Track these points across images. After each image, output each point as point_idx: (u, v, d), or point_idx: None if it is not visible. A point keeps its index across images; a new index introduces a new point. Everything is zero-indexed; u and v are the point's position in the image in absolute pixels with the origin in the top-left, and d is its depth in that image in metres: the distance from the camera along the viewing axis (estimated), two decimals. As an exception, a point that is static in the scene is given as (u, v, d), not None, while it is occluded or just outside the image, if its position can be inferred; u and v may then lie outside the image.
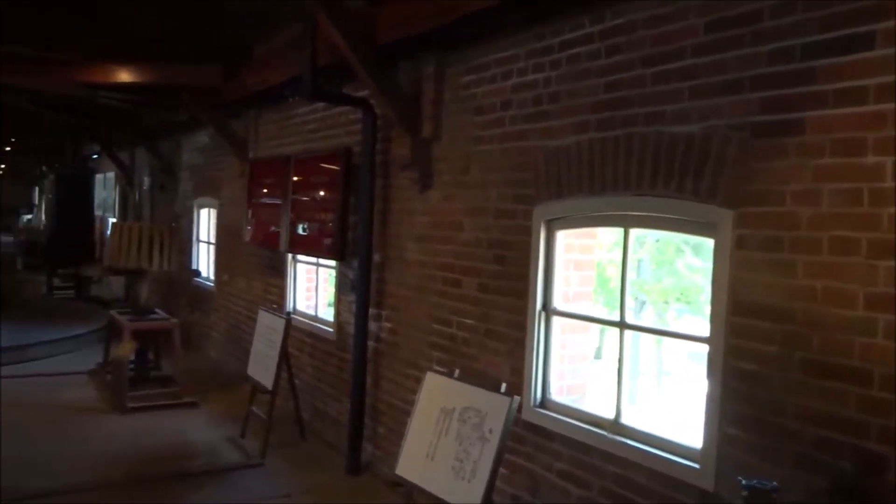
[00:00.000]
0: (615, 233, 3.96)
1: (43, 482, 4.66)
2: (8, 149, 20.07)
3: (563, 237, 3.72)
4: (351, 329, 5.37)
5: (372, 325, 5.16)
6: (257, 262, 7.28)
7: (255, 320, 6.21)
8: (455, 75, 4.41)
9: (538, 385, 3.74)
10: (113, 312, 7.12)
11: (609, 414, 3.36)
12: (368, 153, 4.96)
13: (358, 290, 5.11)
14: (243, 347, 7.48)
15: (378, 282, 5.14)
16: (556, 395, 3.74)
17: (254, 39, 6.60)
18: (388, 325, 5.08)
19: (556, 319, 3.73)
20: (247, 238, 7.13)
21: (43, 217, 17.06)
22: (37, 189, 26.42)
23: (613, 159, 3.28)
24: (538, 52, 3.74)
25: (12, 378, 7.14)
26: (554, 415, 3.63)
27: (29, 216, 26.19)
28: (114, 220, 14.47)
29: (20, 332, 8.37)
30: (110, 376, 6.73)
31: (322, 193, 5.68)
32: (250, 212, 6.99)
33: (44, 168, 16.22)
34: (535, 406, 3.73)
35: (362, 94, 5.16)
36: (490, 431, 3.23)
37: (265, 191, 6.70)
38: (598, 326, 4.20)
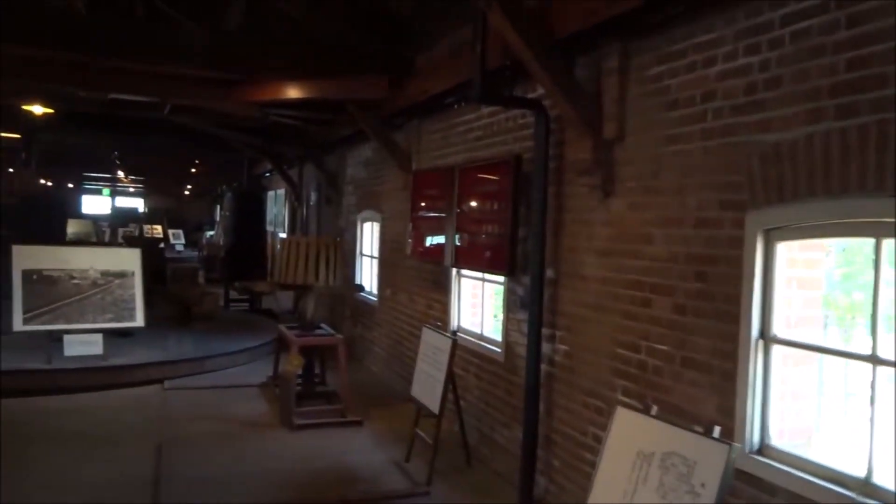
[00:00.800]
0: (852, 244, 3.26)
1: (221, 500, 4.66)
2: (193, 170, 21.70)
3: (786, 250, 3.09)
4: (521, 350, 4.97)
5: (545, 347, 4.73)
6: (420, 277, 7.08)
7: (417, 337, 5.98)
8: (642, 67, 3.89)
9: (755, 427, 3.13)
10: (281, 327, 7.20)
11: (857, 470, 2.69)
12: (541, 159, 4.55)
13: (529, 309, 4.69)
14: (406, 364, 7.31)
15: (551, 299, 4.70)
16: (776, 439, 3.11)
17: (416, 51, 6.45)
18: (562, 347, 4.62)
19: (776, 349, 3.11)
20: (409, 252, 6.96)
21: (220, 233, 18.21)
22: (218, 207, 28.52)
23: (859, 153, 2.64)
24: (751, 31, 3.15)
25: (193, 389, 7.42)
26: (776, 464, 3.00)
27: (211, 232, 28.32)
28: (283, 235, 15.12)
29: (201, 344, 8.73)
30: (278, 390, 6.79)
31: (489, 204, 5.34)
32: (413, 225, 6.81)
33: (222, 187, 17.32)
34: (752, 452, 3.11)
35: (534, 95, 4.76)
36: (702, 485, 2.68)
37: (428, 203, 6.48)
38: (817, 357, 3.48)
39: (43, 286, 7.37)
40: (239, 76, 6.62)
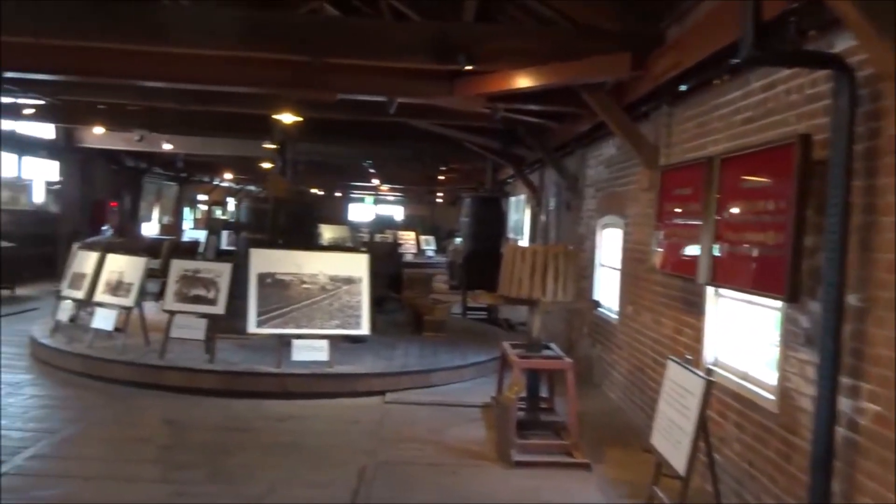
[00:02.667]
0: None
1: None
2: (441, 177, 22.09)
3: None
4: (804, 402, 3.66)
5: (843, 403, 3.37)
6: (667, 294, 5.89)
7: (662, 365, 4.85)
8: None
9: None
10: (505, 345, 6.44)
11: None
12: (842, 140, 3.23)
13: (819, 347, 3.39)
14: (648, 396, 6.15)
15: (854, 337, 3.33)
16: None
17: (664, 22, 5.33)
18: (872, 407, 3.23)
19: None
20: (655, 263, 5.80)
21: (460, 240, 18.15)
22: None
23: None
24: None
25: (412, 405, 6.96)
26: None
27: (459, 239, 28.85)
28: (524, 242, 14.48)
29: (427, 355, 8.32)
30: (497, 417, 6.02)
31: (760, 204, 4.04)
32: (660, 231, 5.65)
33: (461, 193, 17.26)
34: None
35: (835, 50, 3.44)
36: None
37: (679, 205, 5.29)
38: None
39: (276, 290, 7.40)
40: (464, 67, 5.98)
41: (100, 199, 18.32)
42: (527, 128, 9.62)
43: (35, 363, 7.85)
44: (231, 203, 30.30)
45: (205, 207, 30.28)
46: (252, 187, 25.39)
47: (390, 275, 10.75)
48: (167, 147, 14.38)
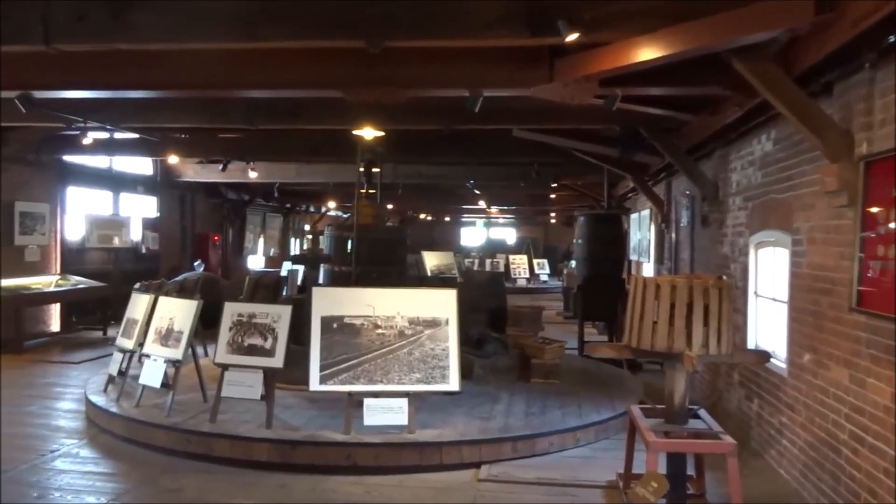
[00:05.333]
0: None
1: None
2: (552, 195, 20.37)
3: None
4: None
5: None
6: (879, 344, 4.00)
7: (869, 444, 3.10)
8: None
9: None
10: (634, 410, 4.75)
11: None
12: None
13: None
14: (846, 484, 4.28)
15: None
16: None
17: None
18: None
19: None
20: (856, 297, 3.97)
21: (573, 263, 16.35)
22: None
23: None
24: None
25: (513, 483, 5.37)
26: None
27: (574, 261, 26.91)
28: (649, 265, 12.55)
29: (535, 412, 6.71)
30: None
31: None
32: (866, 252, 3.82)
33: (575, 212, 15.50)
34: None
35: None
36: None
37: (900, 212, 3.47)
38: None
39: (343, 336, 6.04)
40: (566, 39, 4.41)
41: (202, 234, 17.98)
42: (650, 125, 7.86)
43: (87, 423, 6.90)
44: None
45: (317, 238, 29.97)
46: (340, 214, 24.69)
47: (492, 310, 9.22)
48: (252, 175, 13.62)
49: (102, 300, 13.14)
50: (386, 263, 9.44)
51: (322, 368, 5.91)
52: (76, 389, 8.12)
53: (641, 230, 13.60)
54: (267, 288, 10.59)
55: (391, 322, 6.12)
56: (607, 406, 6.91)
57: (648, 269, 12.57)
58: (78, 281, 12.79)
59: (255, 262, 22.33)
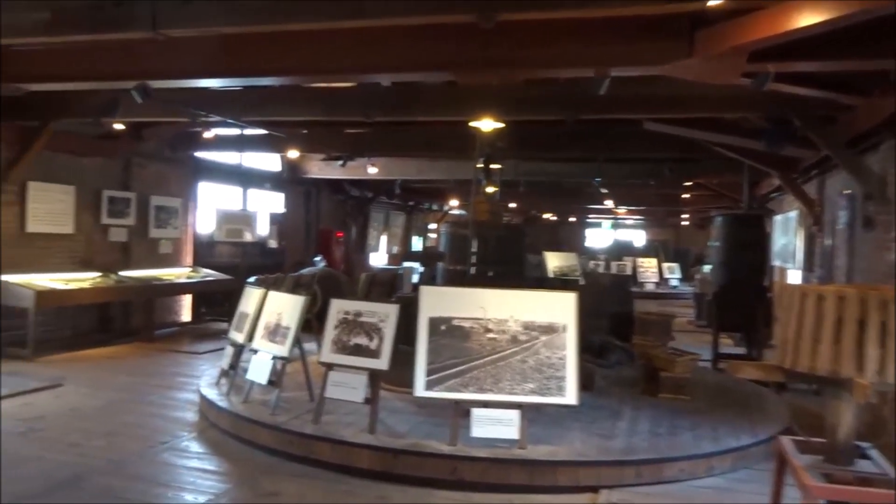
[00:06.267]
0: None
1: None
2: (686, 195, 19.15)
3: None
4: None
5: None
6: None
7: None
8: None
9: None
10: (784, 441, 4.01)
11: None
12: None
13: None
14: None
15: None
16: None
17: None
18: None
19: None
20: None
21: (708, 268, 15.15)
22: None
23: None
24: None
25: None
26: None
27: (709, 266, 25.27)
28: (795, 272, 11.33)
29: (664, 433, 6.02)
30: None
31: None
32: None
33: (711, 213, 14.33)
34: None
35: None
36: None
37: None
38: None
39: (452, 340, 5.63)
40: (708, 2, 3.76)
41: (325, 230, 18.26)
42: (803, 113, 6.91)
43: (200, 416, 6.89)
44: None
45: (435, 236, 30.00)
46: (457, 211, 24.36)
47: (616, 315, 8.53)
48: (372, 171, 13.56)
49: (229, 293, 13.52)
50: (502, 263, 8.99)
51: (428, 373, 5.52)
52: (197, 380, 8.21)
53: (787, 234, 12.36)
54: (382, 285, 10.42)
55: (504, 326, 5.64)
56: (747, 430, 6.10)
57: (795, 277, 11.36)
58: (207, 274, 13.21)
59: (378, 259, 22.53)
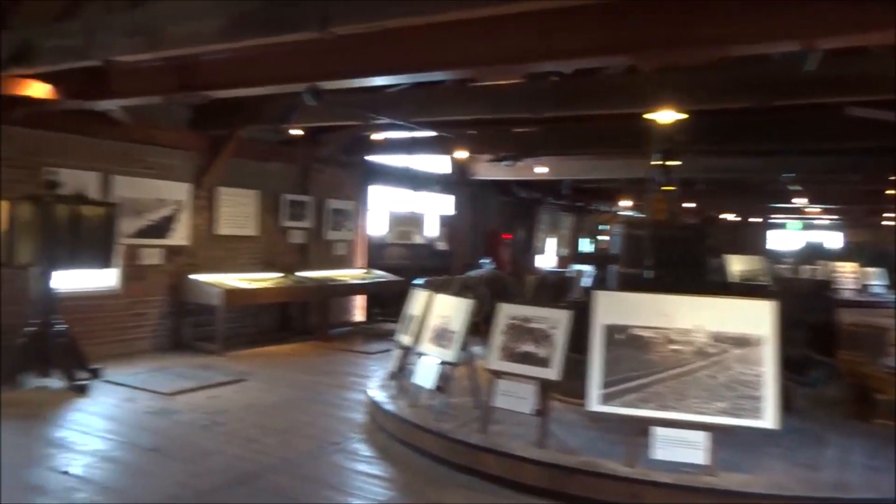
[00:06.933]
0: None
1: None
2: (892, 191, 16.96)
3: None
4: None
5: None
6: None
7: None
8: None
9: None
10: None
11: None
12: None
13: None
14: None
15: None
16: None
17: None
18: None
19: None
20: None
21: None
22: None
23: None
24: None
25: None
26: None
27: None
28: None
29: (882, 467, 5.14)
30: None
31: None
32: None
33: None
34: None
35: None
36: None
37: None
38: None
39: (630, 350, 5.14)
40: None
41: (492, 231, 18.14)
42: None
43: (369, 418, 6.90)
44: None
45: (607, 238, 29.01)
46: (630, 212, 23.24)
47: (816, 326, 7.55)
48: (539, 171, 13.18)
49: (400, 294, 13.74)
50: (682, 266, 8.28)
51: (604, 386, 5.07)
52: (367, 380, 8.29)
53: None
54: (551, 289, 10.03)
55: (689, 337, 5.06)
56: None
57: None
58: (379, 275, 13.51)
59: (546, 261, 22.10)
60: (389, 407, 6.37)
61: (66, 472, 5.14)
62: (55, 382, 7.53)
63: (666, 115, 7.59)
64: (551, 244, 23.00)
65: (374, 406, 6.67)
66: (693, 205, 22.40)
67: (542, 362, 5.44)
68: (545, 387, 5.38)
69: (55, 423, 6.41)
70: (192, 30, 5.16)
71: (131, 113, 8.59)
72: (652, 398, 4.98)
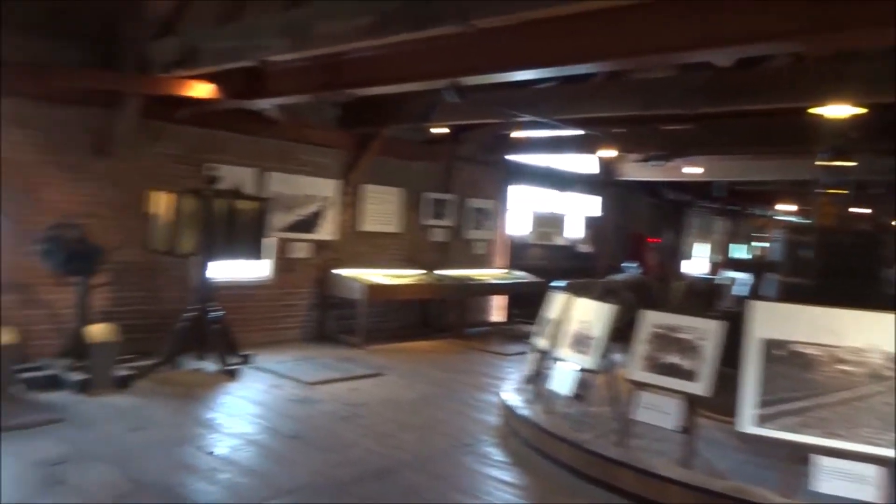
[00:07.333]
0: None
1: None
2: None
3: None
4: None
5: None
6: None
7: None
8: None
9: None
10: None
11: None
12: None
13: None
14: None
15: None
16: None
17: None
18: None
19: None
20: None
21: None
22: None
23: None
24: None
25: None
26: None
27: None
28: None
29: None
30: None
31: None
32: None
33: None
34: None
35: None
36: None
37: None
38: None
39: (791, 368, 4.64)
40: None
41: (636, 234, 17.45)
42: None
43: (503, 421, 6.76)
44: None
45: (765, 244, 27.12)
46: (792, 217, 21.45)
47: None
48: (691, 172, 12.44)
49: (540, 295, 13.50)
50: (853, 277, 7.49)
51: (759, 406, 4.62)
52: (502, 382, 8.18)
53: None
54: (700, 297, 9.43)
55: (862, 357, 4.50)
56: None
57: None
58: (519, 275, 13.35)
59: (694, 267, 20.99)
60: (524, 412, 6.20)
61: (211, 453, 5.41)
62: (209, 365, 8.01)
63: (838, 110, 6.87)
64: (700, 249, 21.81)
65: (508, 410, 6.52)
66: (867, 210, 20.43)
67: (689, 375, 5.06)
68: (691, 402, 5.00)
69: (206, 405, 6.79)
70: (339, 29, 5.26)
71: (285, 112, 8.97)
72: (815, 423, 4.47)
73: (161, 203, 7.83)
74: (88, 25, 7.61)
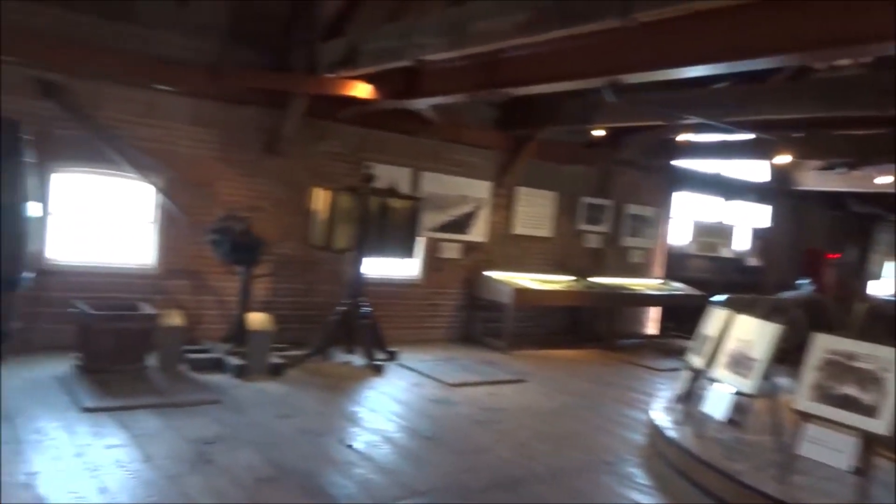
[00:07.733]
0: None
1: None
2: None
3: None
4: None
5: None
6: None
7: None
8: None
9: None
10: None
11: None
12: None
13: None
14: None
15: None
16: None
17: None
18: None
19: None
20: None
21: None
22: None
23: None
24: None
25: None
26: None
27: None
28: None
29: None
30: None
31: None
32: None
33: None
34: None
35: None
36: None
37: None
38: None
39: None
40: None
41: (813, 249, 15.98)
42: None
43: (649, 441, 6.37)
44: None
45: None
46: None
47: None
48: (881, 181, 11.13)
49: (698, 310, 12.71)
50: None
51: None
52: (651, 399, 7.73)
53: None
54: (886, 322, 8.39)
55: None
56: None
57: None
58: (677, 287, 12.66)
59: (883, 288, 18.89)
60: (672, 433, 5.77)
61: (350, 446, 5.50)
62: (357, 359, 8.22)
63: None
64: (890, 269, 19.59)
65: (656, 429, 6.10)
66: None
67: (868, 411, 4.44)
68: (868, 440, 4.39)
69: (351, 398, 6.96)
70: (495, 26, 5.16)
71: (440, 112, 9.04)
72: None
73: (320, 200, 8.14)
74: (264, 28, 8.07)
